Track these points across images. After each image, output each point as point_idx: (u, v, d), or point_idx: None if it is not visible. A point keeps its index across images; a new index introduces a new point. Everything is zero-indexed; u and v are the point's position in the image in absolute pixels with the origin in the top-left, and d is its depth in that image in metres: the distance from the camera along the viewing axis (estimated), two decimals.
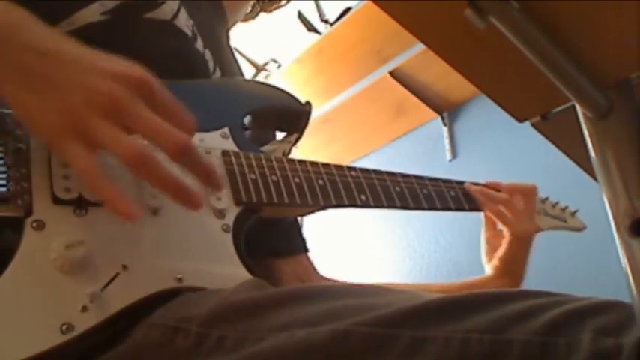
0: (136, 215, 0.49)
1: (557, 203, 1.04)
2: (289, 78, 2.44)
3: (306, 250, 0.85)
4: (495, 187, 0.95)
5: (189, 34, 0.78)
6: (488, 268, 0.94)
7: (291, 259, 0.82)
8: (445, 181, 0.87)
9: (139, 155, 0.49)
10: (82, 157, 0.50)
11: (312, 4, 2.42)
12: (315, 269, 0.85)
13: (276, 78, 2.44)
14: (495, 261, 0.93)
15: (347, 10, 2.28)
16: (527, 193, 0.96)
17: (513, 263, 0.92)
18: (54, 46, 0.53)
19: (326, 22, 2.40)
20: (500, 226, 0.95)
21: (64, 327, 0.49)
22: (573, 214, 1.06)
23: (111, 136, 0.49)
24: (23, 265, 0.50)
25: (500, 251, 0.92)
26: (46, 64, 0.51)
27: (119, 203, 0.49)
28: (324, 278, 0.85)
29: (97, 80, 0.51)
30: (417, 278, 2.19)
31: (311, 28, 2.41)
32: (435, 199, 0.83)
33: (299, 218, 0.87)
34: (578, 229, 1.06)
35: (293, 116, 0.80)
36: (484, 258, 0.96)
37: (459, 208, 0.87)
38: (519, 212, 0.93)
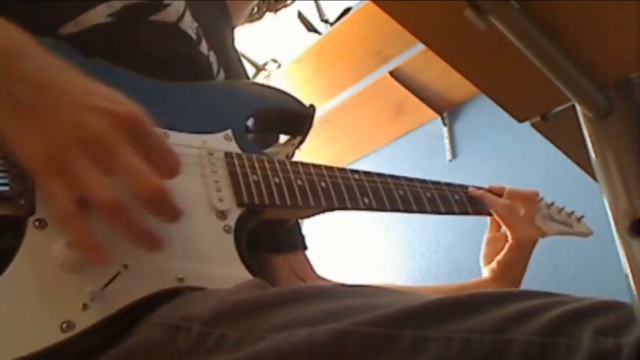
0: (105, 261, 0.50)
1: (563, 208, 1.03)
2: (289, 78, 2.44)
3: (304, 247, 0.84)
4: (498, 192, 0.95)
5: (194, 36, 0.78)
6: (486, 271, 0.94)
7: (289, 254, 0.81)
8: (449, 185, 0.87)
9: (109, 204, 0.49)
10: (60, 198, 0.49)
11: (312, 4, 2.42)
12: (312, 268, 0.84)
13: (276, 78, 2.44)
14: (493, 264, 0.92)
15: (347, 10, 2.28)
16: (529, 198, 0.96)
17: (511, 268, 0.91)
18: (51, 79, 0.52)
19: (326, 22, 2.40)
20: (504, 228, 0.94)
21: (64, 325, 0.49)
22: (579, 219, 1.05)
23: (88, 179, 0.49)
24: (25, 263, 0.51)
25: (500, 255, 0.92)
26: (39, 97, 0.51)
27: (87, 248, 0.50)
28: (320, 277, 0.85)
29: (87, 117, 0.51)
30: (417, 278, 2.19)
31: (311, 28, 2.41)
32: (439, 202, 0.82)
33: None
34: (585, 235, 1.04)
35: (296, 119, 0.80)
36: (482, 260, 0.96)
37: (463, 212, 0.86)
38: (520, 218, 0.93)
